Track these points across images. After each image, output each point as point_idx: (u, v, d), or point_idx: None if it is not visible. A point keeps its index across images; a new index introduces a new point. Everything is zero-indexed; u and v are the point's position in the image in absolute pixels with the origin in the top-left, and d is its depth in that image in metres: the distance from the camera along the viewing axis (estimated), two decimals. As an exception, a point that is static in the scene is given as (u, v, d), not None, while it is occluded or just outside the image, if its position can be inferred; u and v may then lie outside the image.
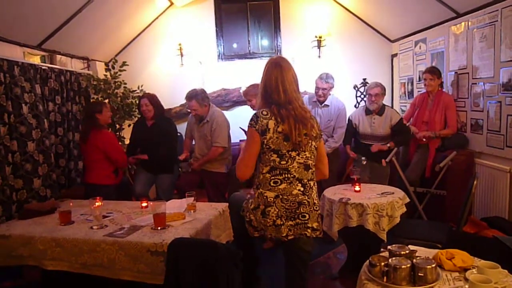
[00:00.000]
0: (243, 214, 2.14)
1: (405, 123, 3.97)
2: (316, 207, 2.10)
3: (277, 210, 2.01)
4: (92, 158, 3.47)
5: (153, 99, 3.84)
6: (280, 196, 2.01)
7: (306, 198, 2.04)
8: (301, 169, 2.03)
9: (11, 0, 3.03)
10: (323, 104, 3.89)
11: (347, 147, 4.09)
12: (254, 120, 2.01)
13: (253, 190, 2.13)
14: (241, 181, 2.25)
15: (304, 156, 2.04)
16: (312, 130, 2.07)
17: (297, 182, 2.03)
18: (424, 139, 3.88)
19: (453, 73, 3.94)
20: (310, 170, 2.08)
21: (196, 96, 3.78)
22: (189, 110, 4.06)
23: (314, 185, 2.11)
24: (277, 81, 2.03)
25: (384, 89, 3.92)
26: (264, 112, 2.01)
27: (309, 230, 2.06)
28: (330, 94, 3.91)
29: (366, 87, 4.66)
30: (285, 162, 2.00)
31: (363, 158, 3.82)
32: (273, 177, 2.02)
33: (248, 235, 2.12)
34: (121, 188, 3.68)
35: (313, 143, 2.08)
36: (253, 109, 3.67)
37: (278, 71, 2.05)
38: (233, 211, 2.52)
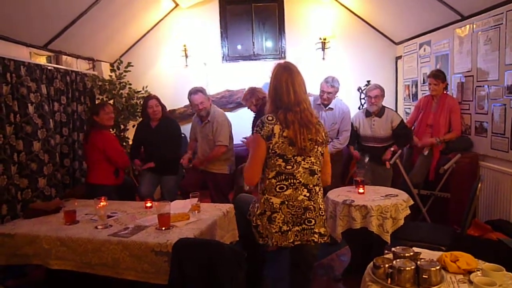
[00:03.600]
0: (250, 218, 2.15)
1: (407, 125, 3.97)
2: (322, 212, 2.10)
3: (283, 216, 2.01)
4: (92, 158, 3.49)
5: (159, 100, 3.88)
6: (286, 202, 2.02)
7: (312, 203, 2.05)
8: (306, 174, 2.04)
9: (18, 1, 3.05)
10: (327, 107, 3.89)
11: (351, 148, 4.09)
12: (260, 126, 2.02)
13: (258, 195, 2.13)
14: (250, 186, 2.25)
15: (310, 161, 2.04)
16: (318, 135, 2.06)
17: (303, 187, 2.03)
18: (426, 151, 3.86)
19: (458, 76, 3.94)
20: (316, 176, 2.07)
21: (202, 90, 3.82)
22: (191, 111, 4.05)
23: (320, 190, 2.11)
24: (287, 83, 2.04)
25: (383, 90, 3.93)
26: (270, 118, 2.02)
27: (316, 236, 2.06)
28: (335, 98, 3.92)
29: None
30: (290, 167, 2.01)
31: (366, 157, 3.81)
32: (278, 183, 2.02)
33: (253, 236, 2.12)
34: (124, 189, 3.68)
35: (319, 149, 2.07)
36: (252, 111, 3.78)
37: (288, 73, 2.07)
38: (238, 212, 2.52)
